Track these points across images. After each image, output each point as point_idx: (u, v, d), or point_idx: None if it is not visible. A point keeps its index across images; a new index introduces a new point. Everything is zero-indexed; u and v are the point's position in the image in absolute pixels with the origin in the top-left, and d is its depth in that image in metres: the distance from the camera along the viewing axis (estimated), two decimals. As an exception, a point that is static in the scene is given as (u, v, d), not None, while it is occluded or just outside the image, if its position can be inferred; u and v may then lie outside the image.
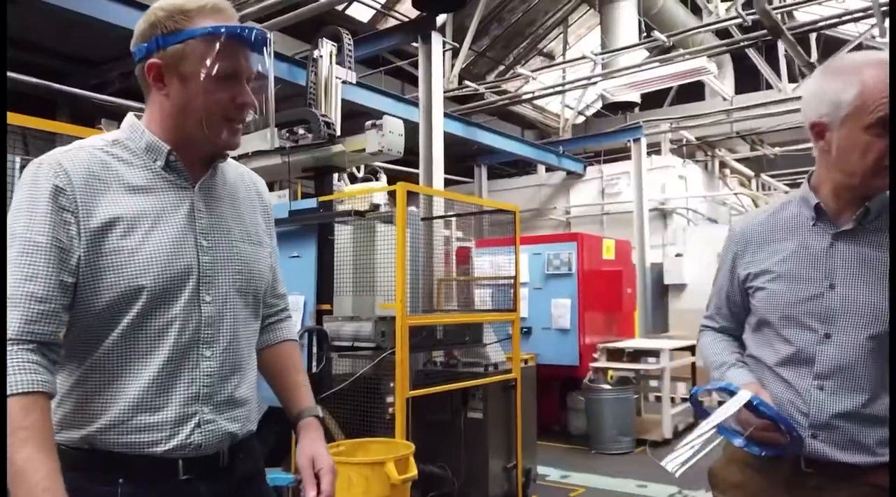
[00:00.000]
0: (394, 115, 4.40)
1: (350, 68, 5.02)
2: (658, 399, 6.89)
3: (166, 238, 1.22)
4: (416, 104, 6.31)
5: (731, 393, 1.41)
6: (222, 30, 1.21)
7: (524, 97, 10.58)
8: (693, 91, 11.26)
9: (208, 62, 1.21)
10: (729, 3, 8.99)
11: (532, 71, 9.89)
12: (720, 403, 1.42)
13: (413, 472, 3.21)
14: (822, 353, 1.47)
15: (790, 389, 1.49)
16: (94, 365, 1.21)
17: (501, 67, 12.69)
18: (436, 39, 5.58)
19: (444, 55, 7.59)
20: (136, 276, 1.19)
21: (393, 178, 6.00)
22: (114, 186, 1.21)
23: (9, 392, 1.07)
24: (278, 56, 5.89)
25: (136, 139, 1.27)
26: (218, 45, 1.21)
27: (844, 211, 1.48)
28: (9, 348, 1.10)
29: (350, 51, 5.04)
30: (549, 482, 5.26)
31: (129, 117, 1.31)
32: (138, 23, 1.26)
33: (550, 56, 13.50)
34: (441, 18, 5.83)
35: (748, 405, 1.39)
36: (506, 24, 12.19)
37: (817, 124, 1.45)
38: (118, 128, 1.31)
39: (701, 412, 1.49)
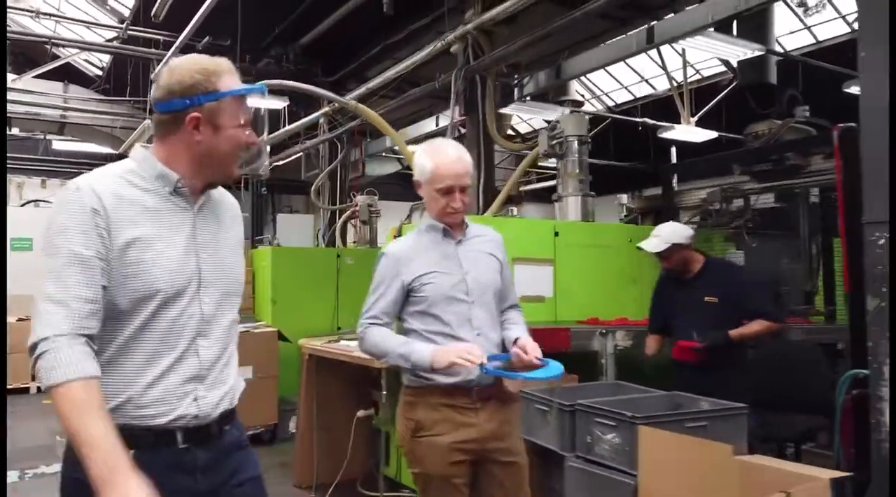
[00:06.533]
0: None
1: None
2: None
3: (175, 252, 1.44)
4: None
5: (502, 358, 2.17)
6: (236, 89, 1.47)
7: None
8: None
9: (235, 115, 1.47)
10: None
11: None
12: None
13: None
14: (474, 314, 2.19)
15: (462, 341, 2.13)
16: (116, 354, 1.40)
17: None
18: None
19: None
20: (153, 282, 1.40)
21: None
22: (134, 208, 1.42)
23: (75, 376, 1.26)
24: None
25: (149, 169, 1.47)
26: (236, 101, 1.47)
27: (456, 230, 2.25)
28: (66, 340, 1.28)
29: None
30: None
31: (141, 150, 1.51)
32: (169, 79, 1.45)
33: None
34: None
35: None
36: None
37: (416, 182, 2.23)
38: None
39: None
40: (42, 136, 11.40)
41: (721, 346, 3.22)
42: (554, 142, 4.83)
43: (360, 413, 4.11)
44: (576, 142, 4.79)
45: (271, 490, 1.66)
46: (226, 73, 1.47)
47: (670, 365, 3.65)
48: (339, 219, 7.57)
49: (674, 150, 12.19)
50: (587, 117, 5.13)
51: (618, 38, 5.33)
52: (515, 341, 2.18)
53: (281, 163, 10.49)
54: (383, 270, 2.25)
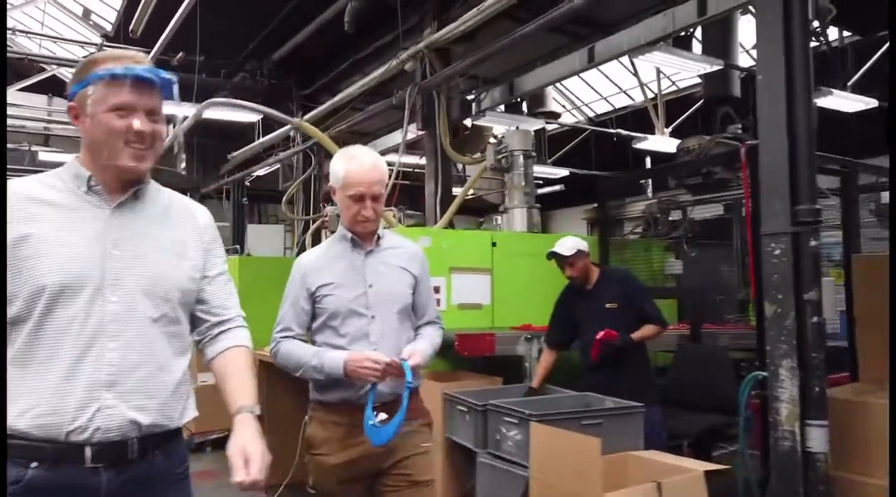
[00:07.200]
0: None
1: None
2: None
3: (70, 248, 1.39)
4: None
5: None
6: (101, 73, 1.39)
7: None
8: None
9: (101, 100, 1.40)
10: None
11: None
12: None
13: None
14: (373, 329, 2.11)
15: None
16: (16, 356, 1.36)
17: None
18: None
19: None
20: (38, 277, 1.35)
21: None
22: (34, 206, 1.40)
23: None
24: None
25: (69, 170, 1.47)
26: (107, 85, 1.39)
27: (366, 241, 2.18)
28: None
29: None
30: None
31: (70, 157, 1.53)
32: None
33: None
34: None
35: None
36: None
37: (332, 188, 2.20)
38: None
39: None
40: (27, 148, 11.62)
41: (626, 347, 3.44)
42: (500, 156, 5.05)
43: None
44: (521, 156, 5.02)
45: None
46: (107, 61, 1.41)
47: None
48: (310, 229, 7.79)
49: (648, 160, 12.47)
50: (533, 132, 5.34)
51: (563, 57, 5.57)
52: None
53: (262, 173, 10.72)
54: (293, 281, 2.20)
